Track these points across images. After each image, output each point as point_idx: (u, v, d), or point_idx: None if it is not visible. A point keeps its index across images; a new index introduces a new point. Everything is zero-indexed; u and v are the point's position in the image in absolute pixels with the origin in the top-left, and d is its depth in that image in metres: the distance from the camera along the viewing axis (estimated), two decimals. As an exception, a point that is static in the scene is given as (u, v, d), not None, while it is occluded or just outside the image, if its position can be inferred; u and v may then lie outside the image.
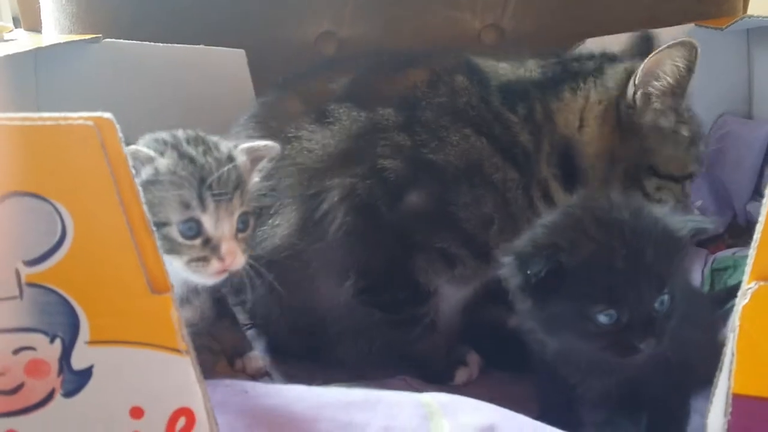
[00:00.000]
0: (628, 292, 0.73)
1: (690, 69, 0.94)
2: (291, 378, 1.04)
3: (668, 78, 0.95)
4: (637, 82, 0.96)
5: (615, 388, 0.83)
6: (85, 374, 0.58)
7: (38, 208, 0.54)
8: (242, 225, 0.85)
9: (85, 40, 1.21)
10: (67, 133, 0.53)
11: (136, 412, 0.59)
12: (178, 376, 0.58)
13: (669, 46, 0.94)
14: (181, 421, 0.60)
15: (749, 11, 1.48)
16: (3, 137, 0.53)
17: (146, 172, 0.80)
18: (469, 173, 0.96)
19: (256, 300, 1.03)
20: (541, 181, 0.99)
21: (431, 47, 1.13)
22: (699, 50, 0.94)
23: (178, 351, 0.58)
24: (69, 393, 0.58)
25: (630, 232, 0.74)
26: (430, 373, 1.02)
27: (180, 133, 0.86)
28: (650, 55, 0.95)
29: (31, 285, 0.56)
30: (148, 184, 0.79)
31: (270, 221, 0.99)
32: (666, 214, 0.78)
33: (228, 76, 1.28)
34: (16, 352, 0.57)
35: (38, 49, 1.18)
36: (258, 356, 1.04)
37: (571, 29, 1.35)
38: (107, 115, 0.54)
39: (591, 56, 1.06)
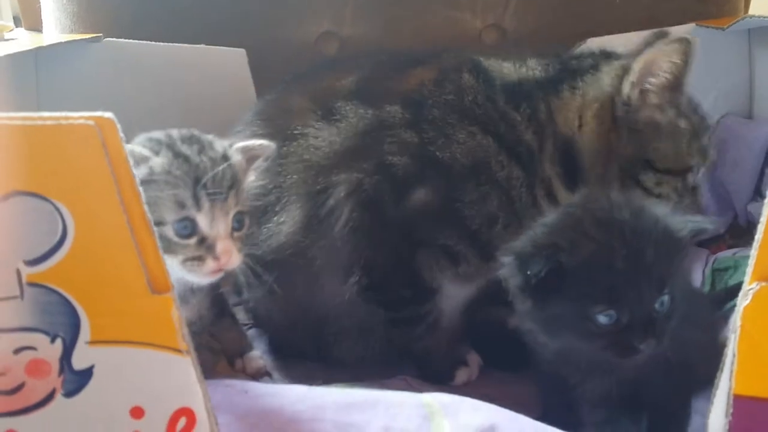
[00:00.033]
0: (628, 292, 0.73)
1: (686, 64, 0.94)
2: (291, 378, 1.04)
3: (665, 74, 0.95)
4: (633, 80, 0.96)
5: (615, 388, 0.82)
6: (86, 374, 0.58)
7: (39, 207, 0.54)
8: (237, 224, 0.85)
9: (85, 39, 1.21)
10: (67, 132, 0.53)
11: (137, 412, 0.59)
12: (178, 376, 0.58)
13: (664, 43, 0.94)
14: (182, 421, 0.60)
15: (750, 11, 1.48)
16: (4, 137, 0.53)
17: (141, 172, 0.80)
18: (475, 171, 0.96)
19: (259, 299, 1.03)
20: (544, 179, 0.99)
21: (434, 47, 1.13)
22: (695, 45, 0.94)
23: (178, 351, 0.58)
24: (70, 393, 0.58)
25: (630, 232, 0.74)
26: (431, 372, 1.02)
27: (174, 133, 0.86)
28: (645, 53, 0.95)
29: (31, 285, 0.56)
30: (142, 184, 0.79)
31: (275, 219, 0.99)
32: (666, 214, 0.78)
33: (228, 76, 1.28)
34: (17, 351, 0.57)
35: (39, 49, 1.18)
36: (258, 356, 1.04)
37: (572, 29, 1.35)
38: (108, 114, 0.54)
39: (589, 54, 1.06)
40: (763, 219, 0.54)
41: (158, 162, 0.81)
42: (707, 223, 0.81)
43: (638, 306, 0.74)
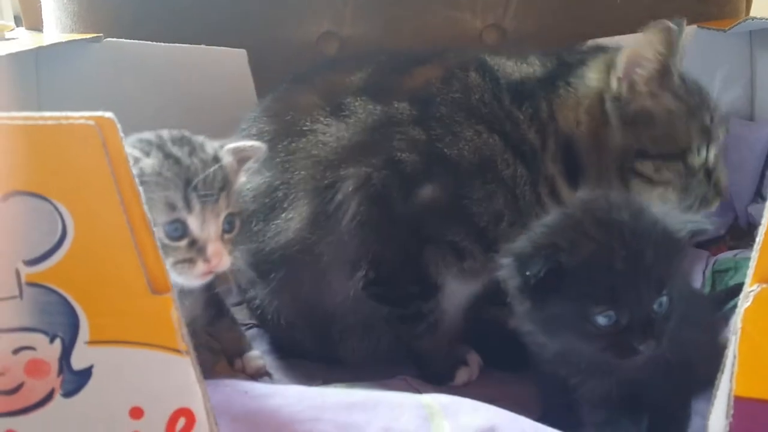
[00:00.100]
0: (628, 293, 0.73)
1: (672, 50, 0.94)
2: (291, 378, 1.04)
3: (651, 64, 0.95)
4: (619, 74, 0.96)
5: (615, 389, 0.82)
6: (85, 374, 0.58)
7: (39, 207, 0.54)
8: (228, 226, 0.84)
9: (86, 39, 1.21)
10: (68, 132, 0.53)
11: (136, 413, 0.59)
12: (178, 377, 0.58)
13: (645, 33, 0.94)
14: (181, 422, 0.59)
15: (752, 13, 1.48)
16: (4, 136, 0.53)
17: (131, 173, 0.80)
18: (482, 169, 0.97)
19: (265, 296, 1.03)
20: (548, 177, 0.99)
21: (435, 47, 1.13)
22: (677, 31, 0.93)
23: (178, 351, 0.58)
24: (69, 393, 0.58)
25: (629, 233, 0.74)
26: (431, 372, 1.02)
27: (165, 134, 0.85)
28: (626, 46, 0.95)
29: (31, 285, 0.55)
30: None
31: (283, 215, 0.99)
32: (665, 214, 0.78)
33: (229, 76, 1.28)
34: (16, 351, 0.57)
35: (39, 48, 1.18)
36: (258, 356, 1.04)
37: (572, 29, 1.35)
38: (108, 114, 0.53)
39: (580, 49, 1.06)
40: (764, 221, 0.54)
41: (149, 163, 0.80)
42: (706, 224, 0.80)
43: (637, 307, 0.73)
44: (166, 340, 0.57)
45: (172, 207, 0.80)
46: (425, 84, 1.02)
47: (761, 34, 1.36)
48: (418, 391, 0.93)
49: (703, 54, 1.04)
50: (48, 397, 0.58)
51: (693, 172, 0.97)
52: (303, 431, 0.73)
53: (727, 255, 1.27)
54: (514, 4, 1.40)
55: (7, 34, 1.24)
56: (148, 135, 0.84)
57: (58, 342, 0.57)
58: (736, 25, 1.24)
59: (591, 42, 1.24)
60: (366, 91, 1.02)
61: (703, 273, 1.23)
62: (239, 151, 0.89)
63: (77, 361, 0.57)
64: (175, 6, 1.34)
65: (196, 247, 0.81)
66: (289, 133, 1.01)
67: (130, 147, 0.82)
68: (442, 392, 0.83)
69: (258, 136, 1.03)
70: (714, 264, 1.25)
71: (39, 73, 1.20)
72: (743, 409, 0.56)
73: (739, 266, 1.19)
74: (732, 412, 0.56)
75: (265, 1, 1.36)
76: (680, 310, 0.76)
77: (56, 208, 0.54)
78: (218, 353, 1.04)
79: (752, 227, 1.31)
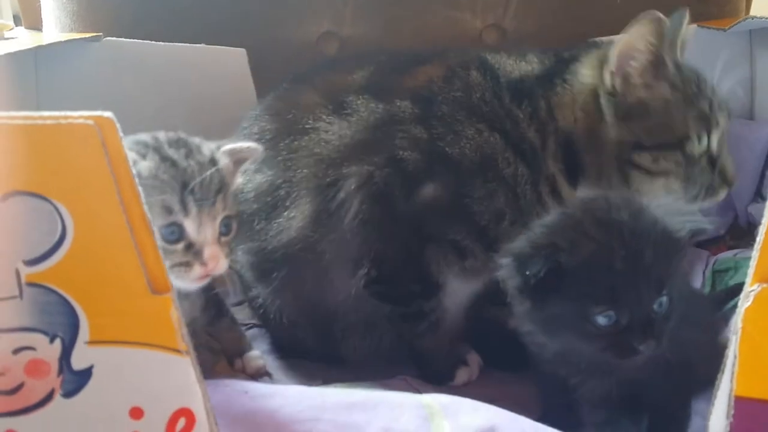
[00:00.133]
0: (627, 293, 0.73)
1: (663, 41, 0.94)
2: (291, 378, 1.04)
3: (643, 55, 0.95)
4: (612, 68, 0.96)
5: (615, 389, 0.82)
6: (85, 374, 0.57)
7: (38, 207, 0.54)
8: (225, 229, 0.84)
9: (85, 38, 1.21)
10: (67, 132, 0.53)
11: (136, 413, 0.59)
12: (178, 377, 0.58)
13: (635, 25, 0.93)
14: (181, 422, 0.59)
15: (752, 12, 1.48)
16: (3, 136, 0.53)
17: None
18: (483, 167, 0.97)
19: (268, 295, 1.03)
20: (549, 176, 0.99)
21: (435, 47, 1.13)
22: (666, 21, 0.93)
23: (178, 351, 0.57)
24: (69, 393, 0.58)
25: (629, 233, 0.74)
26: (431, 372, 1.02)
27: (161, 136, 0.84)
28: (618, 38, 0.95)
29: (31, 285, 0.55)
30: None
31: (285, 214, 0.99)
32: (665, 214, 0.77)
33: (229, 75, 1.28)
34: (16, 352, 0.57)
35: (39, 48, 1.18)
36: (258, 356, 1.04)
37: (572, 29, 1.35)
38: (108, 114, 0.53)
39: (575, 46, 1.06)
40: (764, 220, 0.54)
41: (145, 166, 0.79)
42: (706, 223, 0.80)
43: (637, 307, 0.73)
44: (166, 340, 0.57)
45: (168, 210, 0.79)
46: (427, 83, 1.02)
47: (761, 34, 1.36)
48: (418, 391, 0.93)
49: (703, 53, 1.04)
50: (48, 398, 0.58)
51: (693, 161, 0.96)
52: (303, 431, 0.72)
53: (727, 255, 1.27)
54: (514, 4, 1.40)
55: (6, 34, 1.24)
56: (145, 137, 0.84)
57: (58, 342, 0.57)
58: (736, 24, 1.24)
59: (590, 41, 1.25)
60: (368, 89, 1.02)
61: (703, 273, 1.23)
62: (236, 152, 0.89)
63: (77, 361, 0.57)
64: (175, 6, 1.34)
65: (193, 251, 0.81)
66: (291, 131, 1.01)
67: (126, 149, 0.81)
68: (442, 392, 0.83)
69: (260, 135, 1.04)
70: (714, 264, 1.25)
71: (38, 73, 1.20)
72: (744, 409, 0.56)
73: (739, 266, 1.19)
74: (732, 412, 0.56)
75: (265, 1, 1.36)
76: (680, 310, 0.76)
77: (56, 208, 0.54)
78: (218, 353, 1.03)
79: (752, 227, 1.30)
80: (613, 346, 0.75)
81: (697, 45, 1.17)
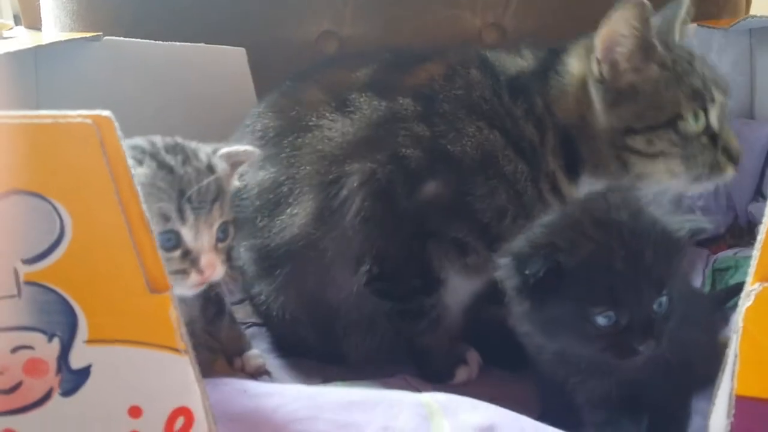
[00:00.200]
0: (627, 293, 0.73)
1: (648, 24, 0.93)
2: (290, 377, 1.04)
3: (629, 39, 0.94)
4: (598, 56, 0.96)
5: (615, 390, 0.82)
6: (84, 373, 0.57)
7: (36, 206, 0.54)
8: (222, 235, 0.84)
9: (85, 38, 1.21)
10: (65, 131, 0.53)
11: (135, 412, 0.59)
12: (176, 376, 0.58)
13: (616, 11, 0.93)
14: (180, 421, 0.59)
15: (752, 11, 1.48)
16: (2, 135, 0.53)
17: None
18: (484, 165, 0.97)
19: (271, 292, 1.03)
20: (549, 173, 0.99)
21: (435, 45, 1.13)
22: (649, 6, 0.92)
23: (176, 350, 0.57)
24: (67, 392, 0.58)
25: (629, 232, 0.73)
26: (431, 371, 1.02)
27: (158, 141, 0.84)
28: (601, 26, 0.94)
29: (29, 284, 0.55)
30: None
31: (288, 211, 0.99)
32: (664, 214, 0.77)
33: (228, 75, 1.28)
34: (15, 350, 0.57)
35: (38, 47, 1.18)
36: (257, 355, 1.04)
37: (572, 28, 1.34)
38: (106, 113, 0.53)
39: (565, 40, 1.05)
40: (765, 219, 0.54)
41: (142, 173, 0.79)
42: (705, 223, 0.80)
43: (637, 307, 0.73)
44: (165, 339, 0.57)
45: (165, 218, 0.79)
46: (428, 81, 1.02)
47: (761, 33, 1.36)
48: (418, 389, 0.93)
49: (703, 52, 1.03)
50: (46, 396, 0.57)
51: (691, 140, 0.95)
52: (302, 430, 0.72)
53: (727, 254, 1.27)
54: (514, 3, 1.40)
55: (6, 33, 1.24)
56: (141, 142, 0.83)
57: (56, 341, 0.57)
58: (736, 23, 1.24)
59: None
60: (371, 87, 1.02)
61: (703, 272, 1.23)
62: (233, 155, 0.88)
63: (76, 360, 0.57)
64: (175, 5, 1.33)
65: (190, 258, 0.81)
66: (294, 128, 1.01)
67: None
68: (442, 391, 0.83)
69: (263, 132, 1.04)
70: (714, 263, 1.25)
71: (38, 72, 1.20)
72: (744, 408, 0.55)
73: (740, 265, 1.19)
74: (733, 411, 0.56)
75: (264, 1, 1.36)
76: (680, 310, 0.76)
77: (54, 207, 0.54)
78: (217, 352, 1.03)
79: (752, 226, 1.31)
80: (612, 347, 0.75)
81: (697, 44, 1.18)
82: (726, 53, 1.30)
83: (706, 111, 0.96)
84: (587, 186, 1.00)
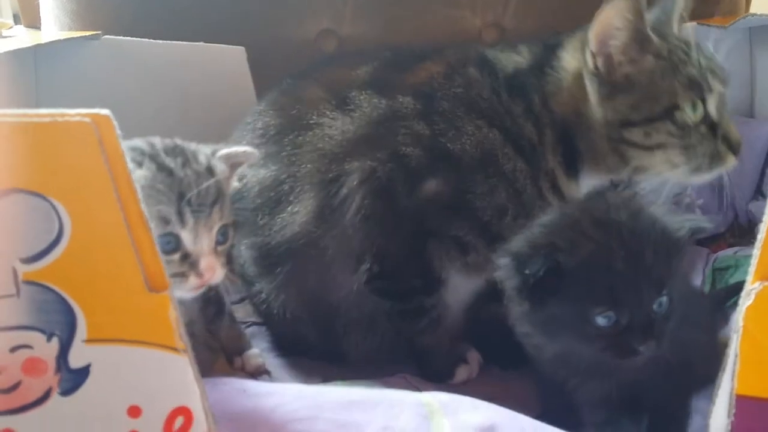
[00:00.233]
0: (627, 293, 0.72)
1: (641, 15, 0.92)
2: (290, 376, 1.04)
3: (622, 32, 0.93)
4: (593, 49, 0.95)
5: (615, 390, 0.82)
6: (83, 373, 0.57)
7: (35, 205, 0.54)
8: (221, 238, 0.83)
9: (84, 36, 1.21)
10: (64, 129, 0.53)
11: (134, 411, 0.59)
12: (175, 375, 0.58)
13: (610, 4, 0.92)
14: (179, 420, 0.59)
15: (751, 9, 1.47)
16: (0, 134, 0.53)
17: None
18: (483, 163, 0.97)
19: (271, 290, 1.03)
20: (548, 171, 0.99)
21: (435, 44, 1.13)
22: None
23: (175, 350, 0.57)
24: (66, 391, 0.57)
25: (628, 232, 0.73)
26: (431, 370, 1.02)
27: (158, 142, 0.84)
28: (594, 20, 0.94)
29: (28, 283, 0.55)
30: None
31: (289, 209, 0.99)
32: (664, 213, 0.77)
33: (228, 74, 1.28)
34: (13, 350, 0.56)
35: (38, 46, 1.17)
36: (257, 354, 1.04)
37: (572, 28, 1.34)
38: (105, 111, 0.53)
39: (560, 32, 1.05)
40: (765, 218, 0.54)
41: (141, 175, 0.78)
42: (705, 222, 0.80)
43: (637, 307, 0.73)
44: (164, 338, 0.57)
45: (165, 221, 0.78)
46: (428, 79, 1.02)
47: (761, 31, 1.35)
48: (418, 389, 0.93)
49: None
50: (45, 396, 0.57)
51: (689, 130, 0.94)
52: (301, 430, 0.72)
53: (727, 253, 1.27)
54: (514, 3, 1.40)
55: (5, 32, 1.24)
56: (140, 143, 0.83)
57: (55, 340, 0.56)
58: (736, 21, 1.23)
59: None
60: (371, 85, 1.02)
61: (704, 271, 1.23)
62: (232, 157, 0.88)
63: (75, 360, 0.57)
64: (174, 4, 1.33)
65: (189, 261, 0.81)
66: (295, 126, 1.01)
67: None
68: (442, 390, 0.83)
69: (264, 130, 1.04)
70: (714, 262, 1.24)
71: (37, 71, 1.20)
72: (745, 407, 0.55)
73: (740, 264, 1.19)
74: (734, 411, 0.56)
75: (264, 0, 1.36)
76: (680, 310, 0.76)
77: (53, 206, 0.54)
78: (217, 351, 1.03)
79: (752, 225, 1.30)
80: (612, 347, 0.74)
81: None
82: (725, 52, 1.30)
83: (704, 100, 0.95)
84: (588, 182, 1.00)
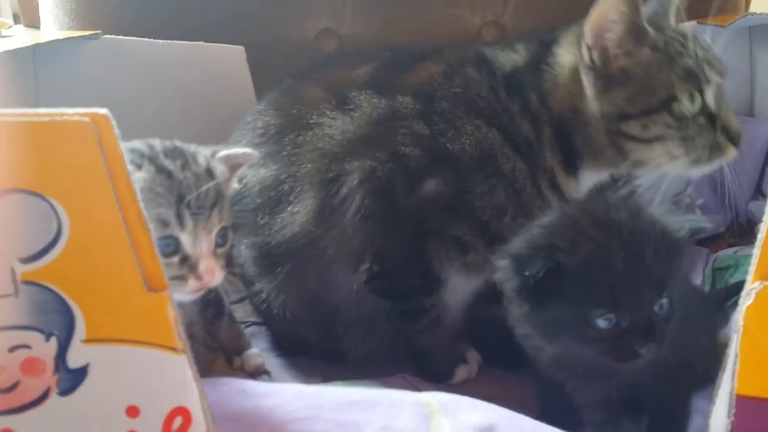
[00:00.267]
0: (628, 295, 0.72)
1: (636, 7, 0.92)
2: (290, 376, 1.04)
3: (618, 24, 0.93)
4: (589, 42, 0.95)
5: (615, 391, 0.82)
6: (81, 373, 0.57)
7: (34, 205, 0.54)
8: (221, 240, 0.83)
9: (84, 36, 1.21)
10: (62, 129, 0.53)
11: (133, 411, 0.59)
12: (174, 375, 0.58)
13: None
14: (178, 421, 0.59)
15: (751, 8, 1.47)
16: (-1, 133, 0.53)
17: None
18: (482, 163, 0.97)
19: (272, 289, 1.03)
20: (547, 170, 0.99)
21: (435, 43, 1.13)
22: None
23: (174, 349, 0.57)
24: (65, 391, 0.57)
25: (628, 233, 0.73)
26: (431, 370, 1.02)
27: (157, 144, 0.83)
28: (590, 13, 0.94)
29: (26, 283, 0.55)
30: None
31: (289, 209, 0.99)
32: (664, 214, 0.77)
33: (227, 73, 1.28)
34: (12, 350, 0.56)
35: (37, 45, 1.17)
36: (257, 354, 1.04)
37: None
38: (103, 111, 0.53)
39: (555, 28, 1.05)
40: (765, 218, 0.54)
41: (140, 177, 0.78)
42: (705, 222, 0.80)
43: (638, 309, 0.72)
44: (163, 338, 0.57)
45: (164, 223, 0.78)
46: (427, 79, 1.02)
47: (761, 30, 1.35)
48: (417, 389, 0.93)
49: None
50: (44, 396, 0.57)
51: (688, 121, 0.94)
52: (301, 430, 0.72)
53: (727, 252, 1.27)
54: (513, 2, 1.40)
55: (5, 32, 1.23)
56: (140, 145, 0.82)
57: (53, 340, 0.56)
58: (736, 20, 1.23)
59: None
60: (371, 84, 1.02)
61: (703, 271, 1.23)
62: (231, 158, 0.88)
63: (73, 360, 0.57)
64: (174, 4, 1.33)
65: (188, 264, 0.80)
66: (295, 126, 1.01)
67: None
68: (442, 390, 0.83)
69: (264, 129, 1.04)
70: (714, 261, 1.24)
71: (37, 71, 1.19)
72: (745, 407, 0.55)
73: (740, 264, 1.19)
74: (734, 410, 0.56)
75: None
76: (681, 311, 0.75)
77: (51, 206, 0.54)
78: (216, 351, 1.03)
79: (752, 224, 1.30)
80: (613, 350, 0.74)
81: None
82: (725, 51, 1.30)
83: (701, 91, 0.94)
84: (587, 179, 1.00)
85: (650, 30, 0.94)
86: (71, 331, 0.56)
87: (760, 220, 0.54)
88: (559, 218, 0.80)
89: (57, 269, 0.55)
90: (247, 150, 0.91)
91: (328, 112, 1.01)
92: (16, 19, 1.53)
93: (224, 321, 1.03)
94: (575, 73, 0.97)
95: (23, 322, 0.56)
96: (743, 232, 1.32)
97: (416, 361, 1.04)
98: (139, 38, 1.24)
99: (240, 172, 0.91)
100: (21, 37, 1.26)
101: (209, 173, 0.83)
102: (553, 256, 0.72)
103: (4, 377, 0.57)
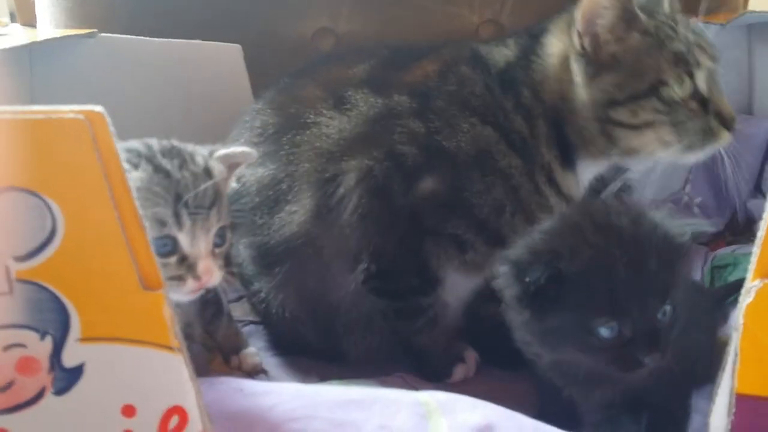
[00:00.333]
0: (630, 302, 0.71)
1: None
2: (287, 375, 1.04)
3: (609, 10, 0.93)
4: (579, 29, 0.94)
5: (617, 397, 0.81)
6: (77, 372, 0.57)
7: (28, 203, 0.54)
8: (219, 240, 0.83)
9: (80, 34, 1.21)
10: (57, 126, 0.53)
11: (128, 411, 0.59)
12: (170, 374, 0.58)
13: None
14: (174, 420, 0.59)
15: (750, 6, 1.47)
16: (-7, 131, 0.53)
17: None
18: (478, 161, 0.96)
19: (270, 289, 1.03)
20: (544, 166, 0.99)
21: (432, 41, 1.13)
22: None
23: (170, 348, 0.57)
24: (60, 391, 0.57)
25: (630, 238, 0.72)
26: (429, 369, 1.02)
27: (154, 144, 0.83)
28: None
29: (21, 281, 0.55)
30: None
31: (287, 208, 0.99)
32: (665, 218, 0.76)
33: (224, 71, 1.27)
34: (6, 349, 0.56)
35: (33, 44, 1.17)
36: (254, 353, 1.04)
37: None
38: (98, 108, 0.53)
39: (545, 19, 1.04)
40: (765, 216, 0.53)
41: (137, 176, 0.77)
42: (706, 225, 0.79)
43: (641, 317, 0.71)
44: (159, 337, 0.57)
45: (162, 223, 0.78)
46: (423, 77, 1.02)
47: (760, 28, 1.35)
48: (415, 388, 0.93)
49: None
50: (39, 395, 0.57)
51: (677, 106, 0.93)
52: (298, 429, 0.72)
53: (725, 251, 1.27)
54: (511, 0, 1.40)
55: (1, 30, 1.23)
56: (137, 144, 0.82)
57: (48, 339, 0.56)
58: (735, 18, 1.23)
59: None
60: (368, 83, 1.02)
61: (702, 269, 1.23)
62: (229, 157, 0.87)
63: (68, 359, 0.57)
64: (170, 2, 1.33)
65: (186, 264, 0.80)
66: (293, 125, 1.01)
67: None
68: (440, 389, 0.82)
69: (262, 129, 1.04)
70: (713, 260, 1.24)
71: (33, 69, 1.19)
72: (745, 406, 0.55)
73: (738, 262, 1.19)
74: (734, 409, 0.56)
75: (262, -2, 1.36)
76: (683, 318, 0.74)
77: (46, 204, 0.54)
78: (214, 350, 1.03)
79: (751, 222, 1.30)
80: (617, 360, 0.73)
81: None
82: (724, 49, 1.30)
83: (691, 75, 0.94)
84: (585, 171, 1.00)
85: (641, 16, 0.94)
86: (66, 329, 0.56)
87: (759, 218, 0.54)
88: (560, 223, 0.78)
89: (52, 268, 0.55)
90: (246, 149, 0.91)
91: (325, 112, 1.00)
92: (13, 18, 1.53)
93: (223, 320, 1.02)
94: (565, 60, 0.97)
95: (18, 320, 0.55)
96: (742, 230, 1.33)
97: (414, 360, 1.04)
98: (136, 37, 1.23)
99: (238, 171, 0.91)
100: (17, 35, 1.26)
101: (207, 172, 0.83)
102: (554, 262, 0.71)
103: (-2, 376, 0.56)
